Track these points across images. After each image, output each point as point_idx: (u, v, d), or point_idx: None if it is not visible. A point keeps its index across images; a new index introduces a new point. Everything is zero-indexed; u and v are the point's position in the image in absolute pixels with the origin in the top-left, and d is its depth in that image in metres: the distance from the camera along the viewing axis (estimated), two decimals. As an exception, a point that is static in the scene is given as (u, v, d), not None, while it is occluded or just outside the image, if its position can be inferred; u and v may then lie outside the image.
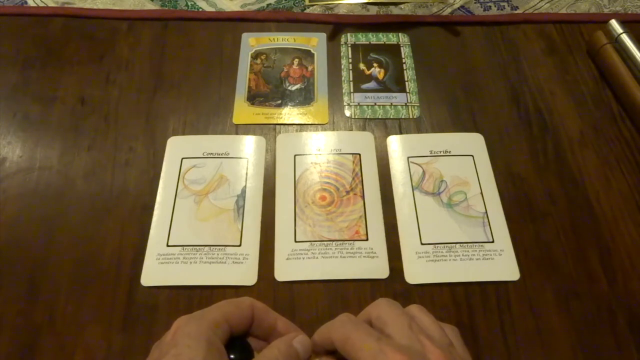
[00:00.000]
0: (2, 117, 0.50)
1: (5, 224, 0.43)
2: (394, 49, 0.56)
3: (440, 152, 0.48)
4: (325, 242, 0.43)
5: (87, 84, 0.52)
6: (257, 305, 0.30)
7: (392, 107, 0.52)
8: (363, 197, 0.45)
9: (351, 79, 0.54)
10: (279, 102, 0.52)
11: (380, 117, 0.51)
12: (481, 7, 0.60)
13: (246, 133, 0.50)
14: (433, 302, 0.40)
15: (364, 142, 0.49)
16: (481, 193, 0.46)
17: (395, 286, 0.41)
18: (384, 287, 0.41)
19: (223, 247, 0.42)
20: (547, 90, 0.53)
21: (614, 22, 0.53)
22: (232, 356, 0.28)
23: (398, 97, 0.52)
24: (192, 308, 0.39)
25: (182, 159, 0.48)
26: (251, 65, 0.55)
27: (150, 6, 0.59)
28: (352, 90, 0.53)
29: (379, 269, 0.41)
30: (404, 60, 0.55)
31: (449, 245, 0.43)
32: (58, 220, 0.44)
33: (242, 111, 0.51)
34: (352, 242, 0.43)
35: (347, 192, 0.46)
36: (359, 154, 0.48)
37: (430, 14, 0.59)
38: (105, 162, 0.47)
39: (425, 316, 0.30)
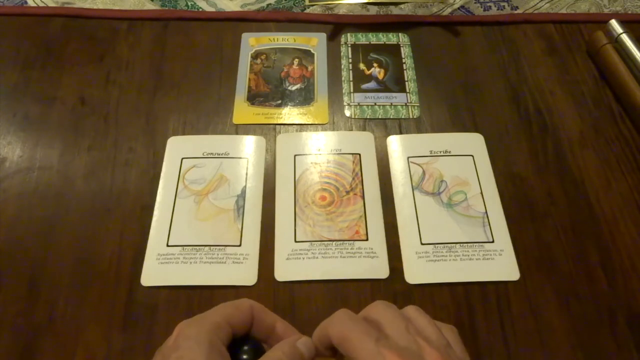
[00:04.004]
0: (2, 117, 0.50)
1: (5, 224, 0.43)
2: (394, 49, 0.56)
3: (440, 152, 0.48)
4: (325, 242, 0.43)
5: (87, 84, 0.52)
6: (256, 307, 0.30)
7: (392, 107, 0.52)
8: (363, 197, 0.45)
9: (351, 79, 0.54)
10: (279, 102, 0.52)
11: (380, 117, 0.51)
12: (481, 7, 0.60)
13: (246, 133, 0.50)
14: (433, 302, 0.40)
15: (364, 142, 0.49)
16: (481, 193, 0.46)
17: (395, 286, 0.41)
18: (384, 287, 0.41)
19: (223, 247, 0.42)
20: (547, 90, 0.53)
21: (614, 22, 0.53)
22: (244, 357, 0.28)
23: (398, 97, 0.52)
24: (192, 308, 0.40)
25: (182, 159, 0.48)
26: (251, 65, 0.55)
27: (150, 6, 0.59)
28: (352, 90, 0.53)
29: (379, 269, 0.41)
30: (404, 60, 0.55)
31: (449, 245, 0.43)
32: (58, 220, 0.44)
33: (242, 111, 0.51)
34: (352, 242, 0.43)
35: (347, 192, 0.46)
36: (359, 154, 0.48)
37: (430, 14, 0.59)
38: (105, 162, 0.47)
39: (422, 317, 0.30)
